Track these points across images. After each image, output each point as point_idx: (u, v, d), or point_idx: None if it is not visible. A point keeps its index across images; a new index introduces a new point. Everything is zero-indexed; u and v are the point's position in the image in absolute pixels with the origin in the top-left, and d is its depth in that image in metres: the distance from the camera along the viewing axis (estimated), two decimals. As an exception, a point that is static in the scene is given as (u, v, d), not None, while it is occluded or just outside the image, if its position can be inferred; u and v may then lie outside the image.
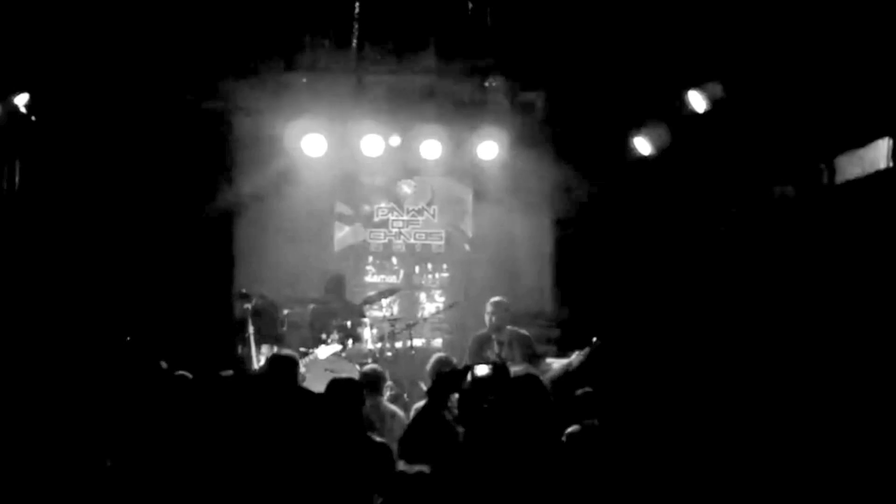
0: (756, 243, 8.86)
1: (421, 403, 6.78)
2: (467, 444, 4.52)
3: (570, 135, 10.30)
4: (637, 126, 9.77)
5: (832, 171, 7.97)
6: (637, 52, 8.64)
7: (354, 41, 8.33)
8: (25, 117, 8.91)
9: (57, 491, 4.51)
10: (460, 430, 4.95)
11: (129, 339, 8.46)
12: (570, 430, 6.21)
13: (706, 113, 8.77)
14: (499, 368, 5.06)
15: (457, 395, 5.04)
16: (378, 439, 5.61)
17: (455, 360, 7.31)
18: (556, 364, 8.29)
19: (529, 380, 4.88)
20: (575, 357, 8.16)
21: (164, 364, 6.83)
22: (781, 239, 8.46)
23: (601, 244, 10.43)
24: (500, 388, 4.77)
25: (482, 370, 5.16)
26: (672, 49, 8.67)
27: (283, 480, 4.85)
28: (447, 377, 5.49)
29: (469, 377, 5.28)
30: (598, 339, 8.11)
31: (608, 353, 8.09)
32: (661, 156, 9.71)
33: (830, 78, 7.62)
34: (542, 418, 4.48)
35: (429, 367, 7.32)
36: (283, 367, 6.26)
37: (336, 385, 5.64)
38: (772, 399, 7.25)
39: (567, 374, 8.04)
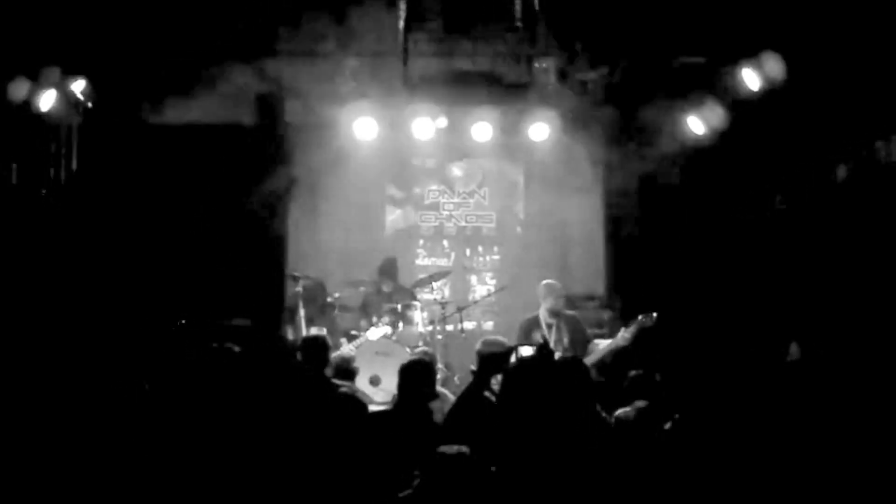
0: (813, 223, 8.68)
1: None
2: (508, 425, 4.49)
3: (623, 115, 10.17)
4: (690, 105, 9.62)
5: (889, 150, 7.77)
6: (690, 29, 8.50)
7: (401, 23, 8.32)
8: (81, 103, 9.07)
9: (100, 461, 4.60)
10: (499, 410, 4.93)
11: (183, 322, 8.61)
12: (619, 412, 6.14)
13: (760, 92, 8.60)
14: (543, 350, 5.05)
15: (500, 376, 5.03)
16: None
17: (505, 341, 7.27)
18: (602, 344, 8.24)
19: (573, 363, 4.83)
20: (620, 336, 8.10)
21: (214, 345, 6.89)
22: (839, 218, 8.28)
23: (654, 226, 10.30)
24: (543, 370, 4.73)
25: (526, 351, 5.15)
26: (729, 25, 8.51)
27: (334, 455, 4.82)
28: (491, 358, 5.49)
29: (513, 358, 5.27)
30: (644, 317, 8.03)
31: (658, 334, 8.00)
32: (714, 135, 9.55)
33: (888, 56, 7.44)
34: (585, 401, 4.43)
35: (476, 348, 7.31)
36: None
37: (409, 368, 5.60)
38: (832, 384, 7.08)
39: (615, 355, 7.98)
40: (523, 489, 3.89)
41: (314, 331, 8.50)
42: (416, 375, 5.50)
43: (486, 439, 4.42)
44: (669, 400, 5.66)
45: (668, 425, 4.81)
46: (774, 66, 8.50)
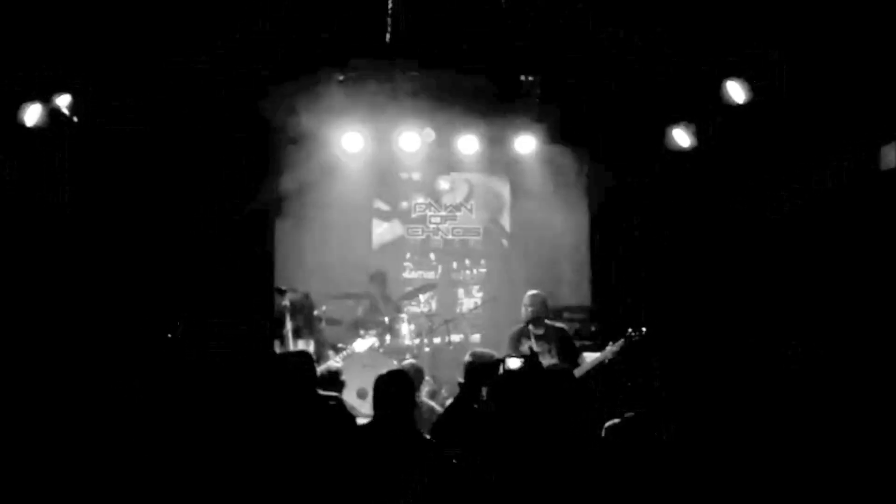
0: (800, 233, 8.75)
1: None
2: (498, 434, 4.50)
3: (608, 127, 10.21)
4: (675, 118, 9.68)
5: (876, 160, 7.84)
6: (675, 42, 8.54)
7: (388, 36, 8.34)
8: (68, 119, 9.05)
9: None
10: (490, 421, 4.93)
11: (170, 336, 8.59)
12: (609, 423, 6.15)
13: (746, 102, 8.66)
14: (530, 361, 5.06)
15: (487, 388, 5.04)
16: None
17: (492, 353, 7.27)
18: (590, 358, 8.27)
19: (561, 373, 4.86)
20: (608, 350, 8.12)
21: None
22: (825, 228, 8.34)
23: (639, 237, 10.34)
24: (531, 381, 4.75)
25: (514, 363, 5.17)
26: (715, 36, 8.55)
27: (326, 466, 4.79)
28: (479, 370, 5.50)
29: (501, 369, 5.29)
30: (633, 331, 8.05)
31: (645, 346, 8.03)
32: (700, 147, 9.61)
33: (877, 66, 7.51)
34: (573, 411, 4.45)
35: (465, 360, 7.31)
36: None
37: (385, 378, 5.54)
38: (816, 391, 7.13)
39: (602, 368, 8.00)
40: (514, 498, 3.91)
41: (301, 344, 8.51)
42: (395, 386, 5.44)
43: (474, 450, 4.43)
44: (662, 410, 5.69)
45: (662, 435, 4.83)
46: (737, 92, 8.63)
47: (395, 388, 5.24)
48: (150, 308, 9.26)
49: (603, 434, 6.05)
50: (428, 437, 5.38)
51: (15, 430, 4.96)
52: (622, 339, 8.16)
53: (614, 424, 6.05)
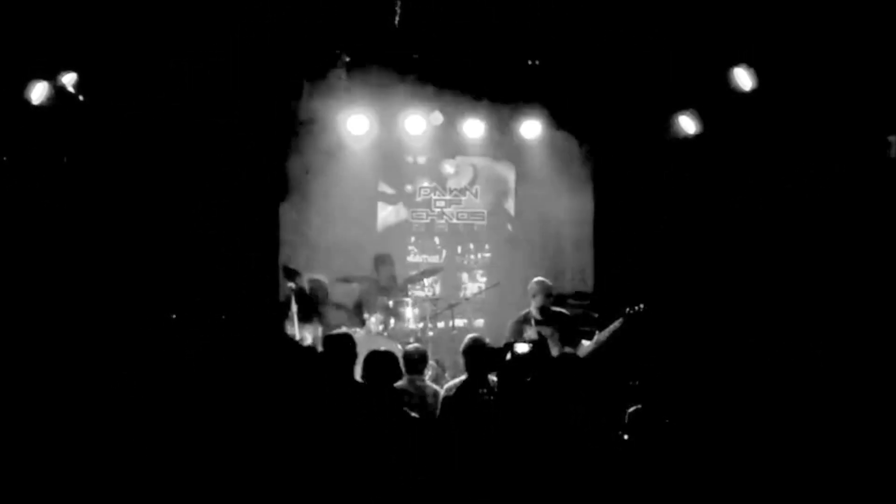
0: (806, 221, 8.76)
1: (452, 383, 6.84)
2: (506, 420, 4.52)
3: (613, 114, 10.21)
4: (681, 104, 9.67)
5: (885, 148, 7.85)
6: (682, 28, 8.54)
7: (397, 20, 8.35)
8: (73, 97, 9.03)
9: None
10: (496, 407, 4.96)
11: (174, 316, 8.61)
12: (633, 408, 6.15)
13: (754, 90, 8.66)
14: (539, 346, 5.07)
15: (495, 374, 5.06)
16: (413, 414, 5.61)
17: (488, 341, 7.27)
18: (587, 343, 8.34)
19: (568, 359, 4.88)
20: (608, 329, 8.16)
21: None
22: (833, 216, 8.36)
23: (644, 224, 10.34)
24: (540, 365, 4.76)
25: (522, 348, 5.18)
26: (721, 22, 8.55)
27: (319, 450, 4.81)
28: (485, 355, 5.52)
29: (509, 355, 5.30)
30: (630, 308, 8.10)
31: (644, 322, 8.07)
32: (706, 134, 9.60)
33: (886, 55, 7.51)
34: (580, 396, 4.47)
35: (462, 347, 7.29)
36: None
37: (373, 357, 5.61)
38: (818, 378, 7.16)
39: (601, 347, 8.05)
40: (523, 483, 3.93)
41: (308, 327, 8.51)
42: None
43: (480, 435, 4.46)
44: (663, 399, 5.71)
45: (663, 423, 4.86)
46: (745, 79, 8.63)
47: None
48: (153, 291, 9.27)
49: (626, 419, 6.07)
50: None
51: (13, 425, 4.95)
52: (620, 318, 8.22)
53: (637, 410, 6.06)
